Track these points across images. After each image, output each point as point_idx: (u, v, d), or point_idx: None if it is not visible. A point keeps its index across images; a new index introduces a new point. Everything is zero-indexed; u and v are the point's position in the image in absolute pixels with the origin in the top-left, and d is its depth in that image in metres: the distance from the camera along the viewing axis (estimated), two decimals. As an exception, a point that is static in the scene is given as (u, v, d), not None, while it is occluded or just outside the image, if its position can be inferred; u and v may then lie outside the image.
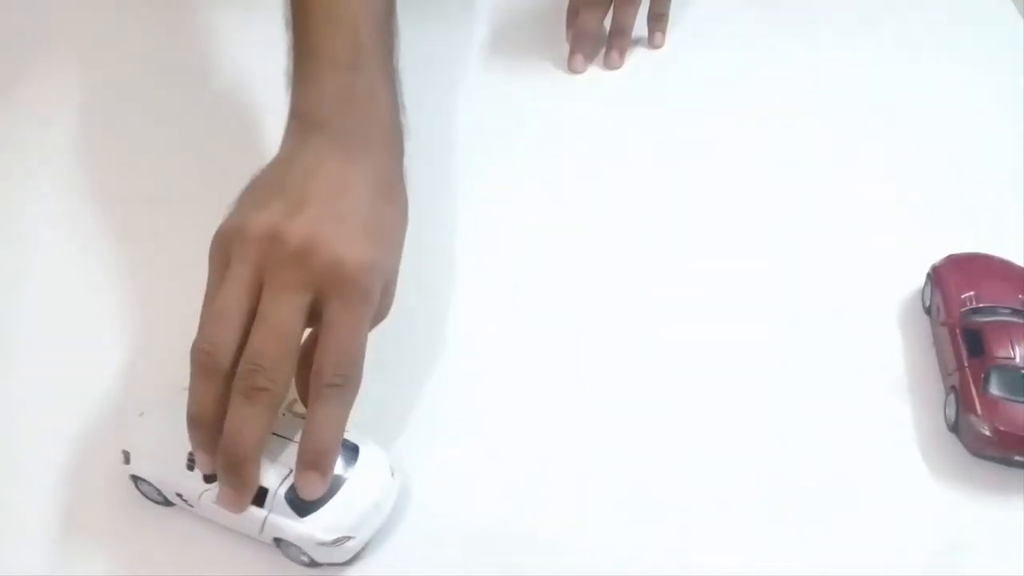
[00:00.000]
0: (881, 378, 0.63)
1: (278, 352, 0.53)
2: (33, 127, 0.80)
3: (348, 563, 0.55)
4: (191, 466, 0.54)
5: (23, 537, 0.57)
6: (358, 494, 0.54)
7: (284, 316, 0.54)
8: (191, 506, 0.56)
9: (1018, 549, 0.55)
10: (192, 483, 0.55)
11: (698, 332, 0.65)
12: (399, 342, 0.65)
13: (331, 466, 0.54)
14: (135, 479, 0.57)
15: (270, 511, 0.54)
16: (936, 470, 0.58)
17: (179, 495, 0.56)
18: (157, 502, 0.57)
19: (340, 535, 0.53)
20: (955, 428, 0.59)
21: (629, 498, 0.58)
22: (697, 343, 0.65)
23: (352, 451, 0.55)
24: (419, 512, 0.57)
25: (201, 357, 0.53)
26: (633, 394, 0.63)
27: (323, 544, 0.53)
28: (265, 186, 0.59)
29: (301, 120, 0.62)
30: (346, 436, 0.55)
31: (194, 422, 0.53)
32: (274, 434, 0.55)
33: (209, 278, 0.56)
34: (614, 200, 0.74)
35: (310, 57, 0.63)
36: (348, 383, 0.54)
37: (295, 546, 0.54)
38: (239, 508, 0.53)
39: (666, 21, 0.87)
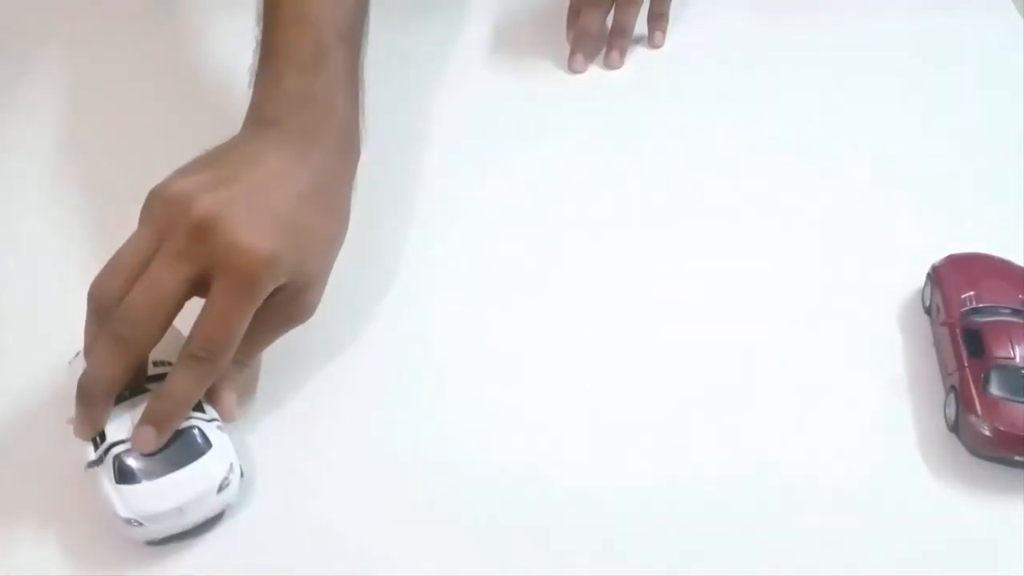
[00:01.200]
0: (881, 378, 0.63)
1: (148, 309, 0.56)
2: (31, 127, 0.81)
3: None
4: None
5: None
6: (170, 490, 0.55)
7: (164, 280, 0.56)
8: None
9: (1018, 549, 0.55)
10: None
11: (698, 332, 0.65)
12: (403, 340, 0.66)
13: (168, 427, 0.56)
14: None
15: (99, 463, 0.55)
16: (936, 470, 0.58)
17: None
18: None
19: (132, 517, 0.54)
20: (955, 428, 0.59)
21: (628, 498, 0.58)
22: (697, 343, 0.65)
23: (202, 447, 0.56)
24: (423, 503, 0.58)
25: (89, 300, 0.57)
26: (632, 395, 0.63)
27: (117, 517, 0.54)
28: (203, 160, 0.61)
29: (257, 115, 0.64)
30: (213, 435, 0.56)
31: (84, 355, 0.58)
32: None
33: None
34: (614, 200, 0.74)
35: (273, 55, 0.65)
36: (211, 359, 0.56)
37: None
38: (80, 436, 0.56)
39: (666, 21, 0.87)
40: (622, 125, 0.79)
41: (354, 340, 0.65)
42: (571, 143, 0.78)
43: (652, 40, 0.87)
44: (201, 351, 0.56)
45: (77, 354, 0.59)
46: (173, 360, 0.58)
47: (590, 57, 0.85)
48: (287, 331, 0.61)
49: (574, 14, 0.86)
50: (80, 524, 0.57)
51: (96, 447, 0.56)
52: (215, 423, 0.58)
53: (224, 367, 0.57)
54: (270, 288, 0.57)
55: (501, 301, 0.68)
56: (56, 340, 0.61)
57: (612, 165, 0.76)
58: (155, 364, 0.58)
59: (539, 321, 0.66)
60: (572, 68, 0.84)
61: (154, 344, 0.57)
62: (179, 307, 0.57)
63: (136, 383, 0.58)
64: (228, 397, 0.59)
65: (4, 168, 0.78)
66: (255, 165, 0.60)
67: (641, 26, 0.86)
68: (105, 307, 0.56)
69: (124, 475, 0.55)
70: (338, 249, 0.62)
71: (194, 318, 0.57)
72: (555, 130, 0.79)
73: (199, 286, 0.57)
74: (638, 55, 0.86)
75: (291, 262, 0.58)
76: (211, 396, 0.59)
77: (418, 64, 0.84)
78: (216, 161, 0.60)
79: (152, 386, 0.58)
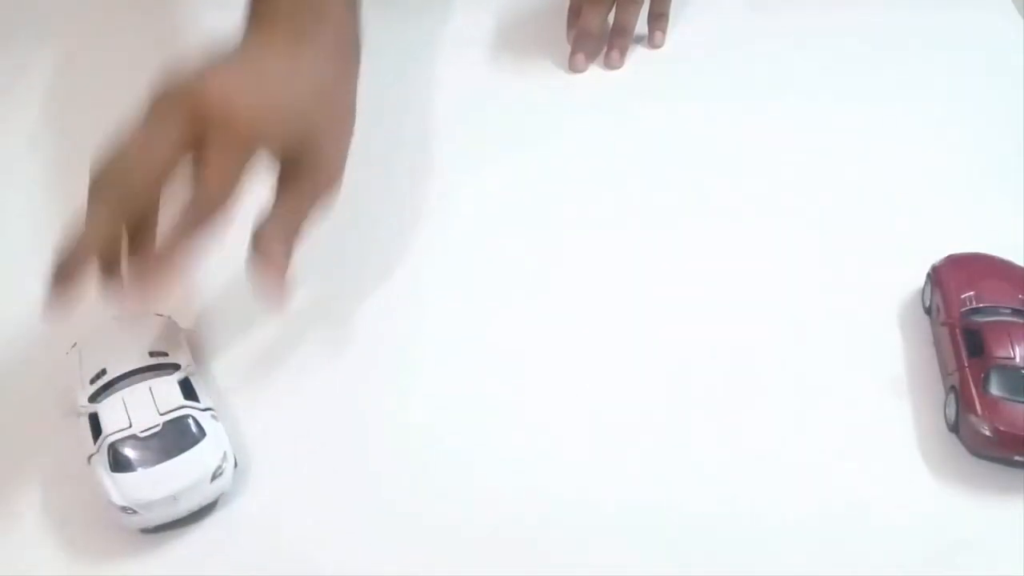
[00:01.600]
0: (881, 378, 0.63)
1: (139, 163, 0.56)
2: (29, 120, 0.81)
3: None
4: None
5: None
6: (164, 478, 0.56)
7: (154, 135, 0.57)
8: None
9: (1018, 549, 0.55)
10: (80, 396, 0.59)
11: (698, 332, 0.65)
12: (399, 334, 0.66)
13: (155, 284, 0.56)
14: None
15: (96, 451, 0.57)
16: (936, 470, 0.58)
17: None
18: None
19: (126, 504, 0.55)
20: (955, 428, 0.59)
21: (626, 498, 0.58)
22: (697, 343, 0.65)
23: (196, 436, 0.57)
24: (418, 495, 0.58)
25: (89, 184, 0.57)
26: (632, 394, 0.63)
27: (112, 504, 0.55)
28: (206, 59, 0.61)
29: (256, 20, 0.64)
30: (207, 424, 0.57)
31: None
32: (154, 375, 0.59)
33: None
34: (613, 199, 0.74)
35: None
36: (208, 210, 0.57)
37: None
38: (49, 304, 0.56)
39: (666, 21, 0.87)
40: (622, 125, 0.79)
41: (350, 333, 0.66)
42: (571, 143, 0.78)
43: (652, 40, 0.87)
44: (195, 204, 0.56)
45: (74, 344, 0.59)
46: (170, 351, 0.59)
47: (591, 57, 0.85)
48: (320, 206, 0.61)
49: (574, 13, 0.86)
50: (76, 512, 0.57)
51: (95, 440, 0.57)
52: (209, 412, 0.58)
53: (217, 220, 0.57)
54: (260, 142, 0.58)
55: (499, 298, 0.68)
56: (54, 331, 0.60)
57: (612, 165, 0.76)
58: (152, 355, 0.59)
59: (538, 319, 0.66)
60: (572, 68, 0.84)
61: (150, 201, 0.57)
62: (172, 163, 0.57)
63: (136, 369, 0.59)
64: (276, 279, 0.59)
65: (2, 162, 0.78)
66: (250, 58, 0.62)
67: (641, 26, 0.86)
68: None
69: (119, 463, 0.56)
70: (344, 126, 0.63)
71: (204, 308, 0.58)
72: (555, 129, 0.79)
73: (193, 146, 0.57)
74: (638, 55, 0.86)
75: (284, 120, 0.59)
76: (259, 282, 0.59)
77: (418, 63, 0.84)
78: (209, 59, 0.61)
79: (149, 374, 0.58)
